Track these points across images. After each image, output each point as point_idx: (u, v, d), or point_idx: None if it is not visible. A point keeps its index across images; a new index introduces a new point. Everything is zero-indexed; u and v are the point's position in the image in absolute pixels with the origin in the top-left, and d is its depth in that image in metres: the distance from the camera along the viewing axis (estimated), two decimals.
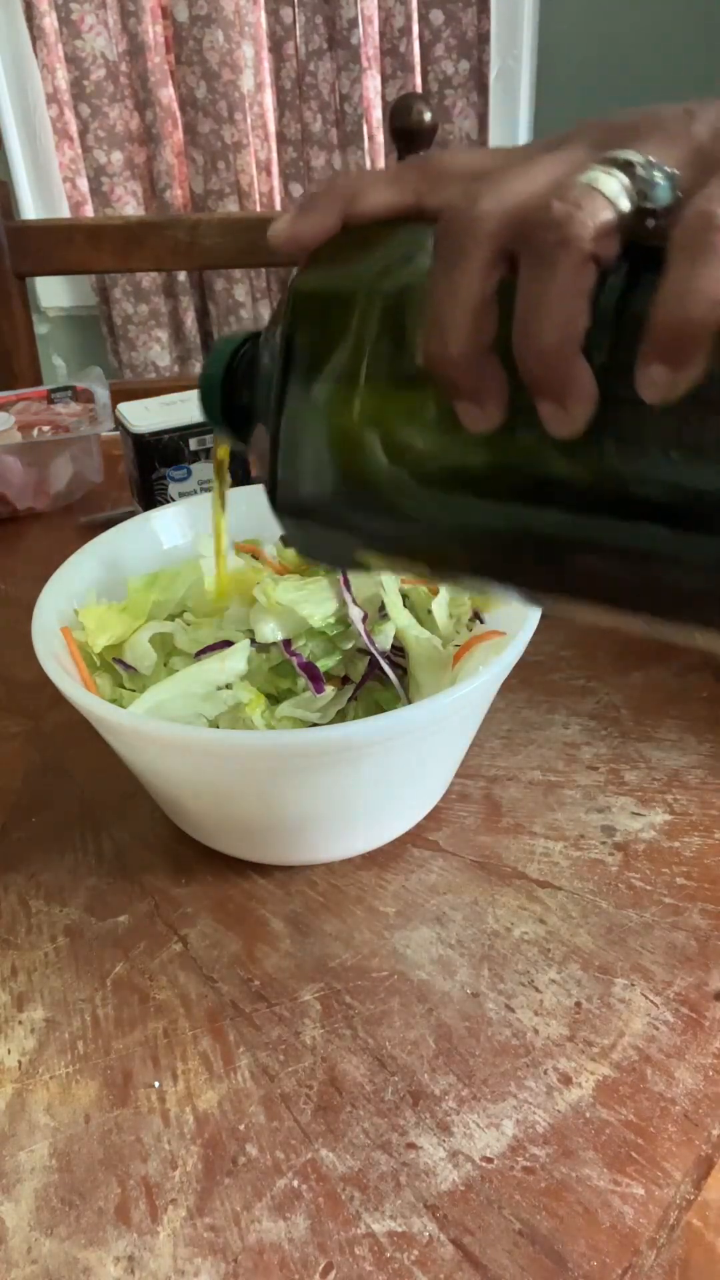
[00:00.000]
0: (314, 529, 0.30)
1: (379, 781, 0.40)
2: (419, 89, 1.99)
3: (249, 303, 2.19)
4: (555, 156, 0.24)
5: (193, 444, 0.67)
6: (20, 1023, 0.38)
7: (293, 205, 0.29)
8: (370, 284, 0.27)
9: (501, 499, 0.26)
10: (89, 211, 2.16)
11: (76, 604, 0.45)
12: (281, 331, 0.28)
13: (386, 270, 0.27)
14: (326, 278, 0.28)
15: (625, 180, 0.22)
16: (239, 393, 0.32)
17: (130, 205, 2.15)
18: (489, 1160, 0.33)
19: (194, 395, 0.70)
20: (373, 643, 0.42)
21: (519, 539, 0.26)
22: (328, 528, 0.30)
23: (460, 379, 0.24)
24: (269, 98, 2.06)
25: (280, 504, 0.30)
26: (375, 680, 0.42)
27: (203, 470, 0.68)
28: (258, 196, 2.12)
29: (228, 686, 0.41)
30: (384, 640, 0.42)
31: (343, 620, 0.43)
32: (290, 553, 0.48)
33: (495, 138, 2.06)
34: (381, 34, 1.95)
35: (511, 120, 2.04)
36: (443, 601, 0.44)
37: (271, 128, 2.08)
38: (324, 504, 0.29)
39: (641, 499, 0.24)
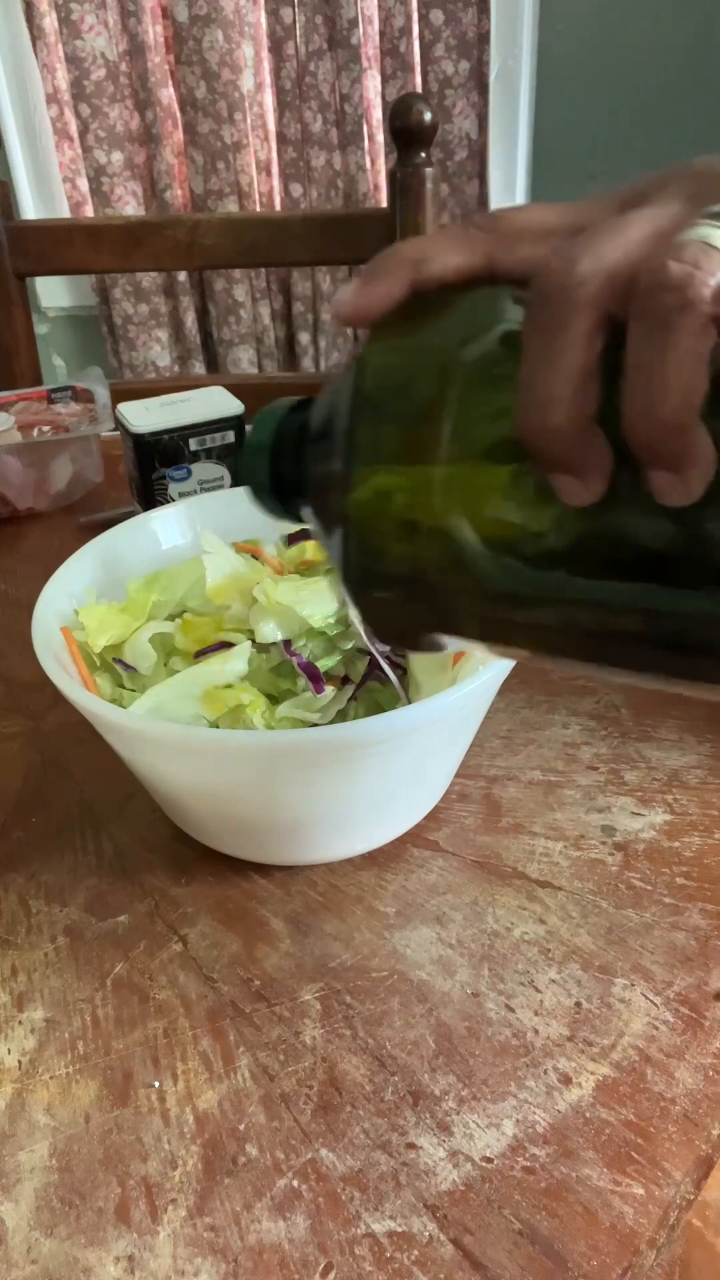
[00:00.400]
0: (390, 611, 0.29)
1: (379, 781, 0.40)
2: (419, 89, 1.99)
3: (249, 303, 2.19)
4: (651, 212, 0.23)
5: (193, 444, 0.67)
6: (20, 1023, 0.38)
7: (357, 276, 0.27)
8: (448, 354, 0.25)
9: (602, 575, 0.24)
10: (89, 211, 2.16)
11: (76, 604, 0.45)
12: (349, 405, 0.26)
13: (466, 339, 0.25)
14: (398, 349, 0.26)
15: None
16: (286, 464, 0.30)
17: (130, 205, 2.15)
18: (489, 1160, 0.33)
19: (193, 395, 0.70)
20: (373, 642, 0.42)
21: (623, 616, 0.25)
22: (405, 612, 0.28)
23: (562, 452, 0.23)
24: (269, 98, 2.06)
25: (352, 584, 0.28)
26: (375, 680, 0.42)
27: (202, 470, 0.68)
28: (258, 196, 2.12)
29: (228, 687, 0.41)
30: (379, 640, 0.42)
31: (343, 620, 0.43)
32: (291, 553, 0.48)
33: (495, 138, 2.06)
34: (381, 34, 1.95)
35: (511, 120, 2.04)
36: None
37: (271, 128, 2.08)
38: (402, 585, 0.27)
39: None
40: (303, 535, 0.48)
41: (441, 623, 0.28)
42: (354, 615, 0.29)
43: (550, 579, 0.25)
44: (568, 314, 0.22)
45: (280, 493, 0.31)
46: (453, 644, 0.29)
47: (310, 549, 0.48)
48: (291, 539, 0.48)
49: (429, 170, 0.98)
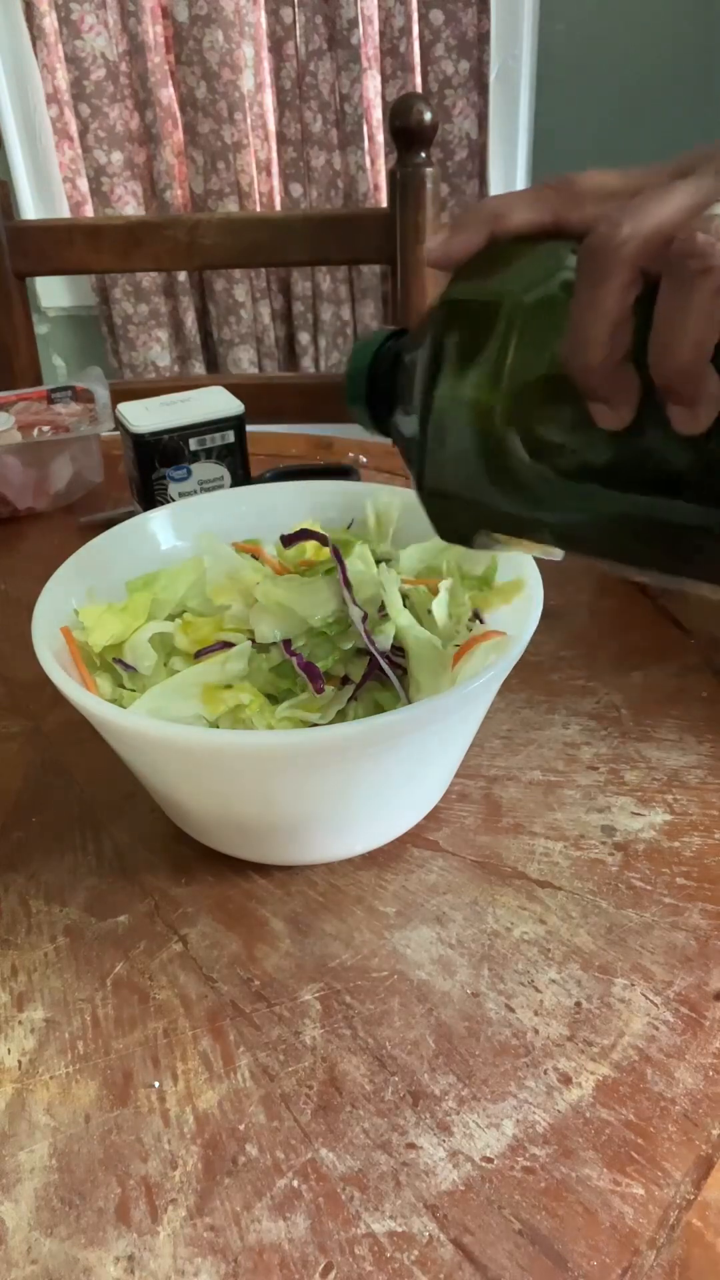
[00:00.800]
0: (454, 509, 0.34)
1: (379, 781, 0.40)
2: (419, 89, 1.99)
3: (249, 303, 2.19)
4: (692, 185, 0.26)
5: (193, 444, 0.67)
6: (20, 1023, 0.38)
7: (444, 225, 0.33)
8: (516, 296, 0.30)
9: (627, 488, 0.29)
10: (89, 211, 2.16)
11: (76, 604, 0.45)
12: (433, 334, 0.31)
13: (531, 284, 0.30)
14: (475, 289, 0.31)
15: None
16: (381, 384, 0.35)
17: (130, 205, 2.15)
18: (489, 1160, 0.33)
19: (193, 395, 0.70)
20: (373, 643, 0.42)
21: (641, 523, 0.29)
22: (467, 509, 0.33)
23: (598, 384, 0.27)
24: (269, 98, 2.06)
25: (425, 486, 0.34)
26: (375, 680, 0.42)
27: (202, 470, 0.68)
28: (258, 196, 2.12)
29: (228, 687, 0.41)
30: (384, 640, 0.42)
31: (343, 620, 0.43)
32: (290, 553, 0.48)
33: (495, 138, 2.06)
34: (381, 34, 1.95)
35: (511, 120, 2.04)
36: (443, 601, 0.44)
37: (271, 128, 2.08)
38: (466, 488, 0.32)
39: None
40: (301, 537, 0.48)
41: (495, 522, 0.33)
42: (428, 514, 0.35)
43: (584, 489, 0.30)
44: (608, 269, 0.26)
45: (374, 408, 0.36)
46: (508, 543, 0.34)
47: (310, 549, 0.48)
48: (288, 540, 0.48)
49: (429, 170, 0.98)
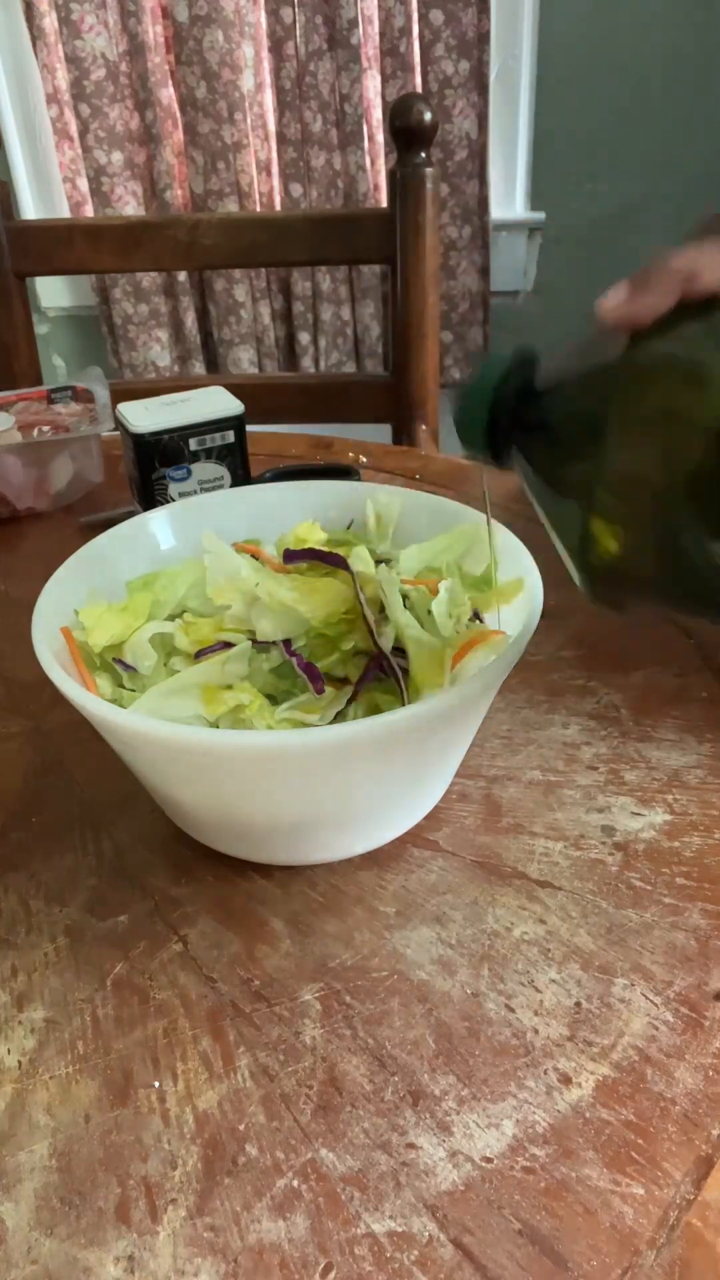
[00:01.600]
0: (613, 578, 0.33)
1: (379, 781, 0.40)
2: (419, 89, 1.99)
3: (249, 303, 2.19)
4: None
5: (193, 444, 0.67)
6: (20, 1023, 0.38)
7: (625, 283, 0.31)
8: (712, 372, 0.28)
9: None
10: (89, 211, 2.16)
11: (76, 604, 0.45)
12: (612, 400, 0.30)
13: None
14: (669, 351, 0.29)
15: None
16: (504, 415, 0.34)
17: (130, 205, 2.15)
18: (489, 1160, 0.33)
19: (193, 395, 0.70)
20: (379, 641, 0.42)
21: None
22: (626, 579, 0.32)
23: None
24: (269, 98, 2.06)
25: (579, 557, 0.32)
26: (375, 681, 0.42)
27: (202, 470, 0.68)
28: (258, 196, 2.12)
29: (228, 687, 0.41)
30: (384, 641, 0.42)
31: (343, 620, 0.43)
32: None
33: (495, 138, 2.05)
34: (381, 34, 1.95)
35: (511, 120, 2.04)
36: (443, 601, 0.44)
37: (271, 128, 2.08)
38: (633, 564, 0.31)
39: None
40: (305, 555, 0.47)
41: (661, 599, 0.33)
42: (571, 570, 0.34)
43: None
44: None
45: (491, 437, 0.34)
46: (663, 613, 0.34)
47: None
48: (289, 557, 0.47)
49: (429, 170, 0.98)
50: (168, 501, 0.66)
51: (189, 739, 0.36)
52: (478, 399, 0.33)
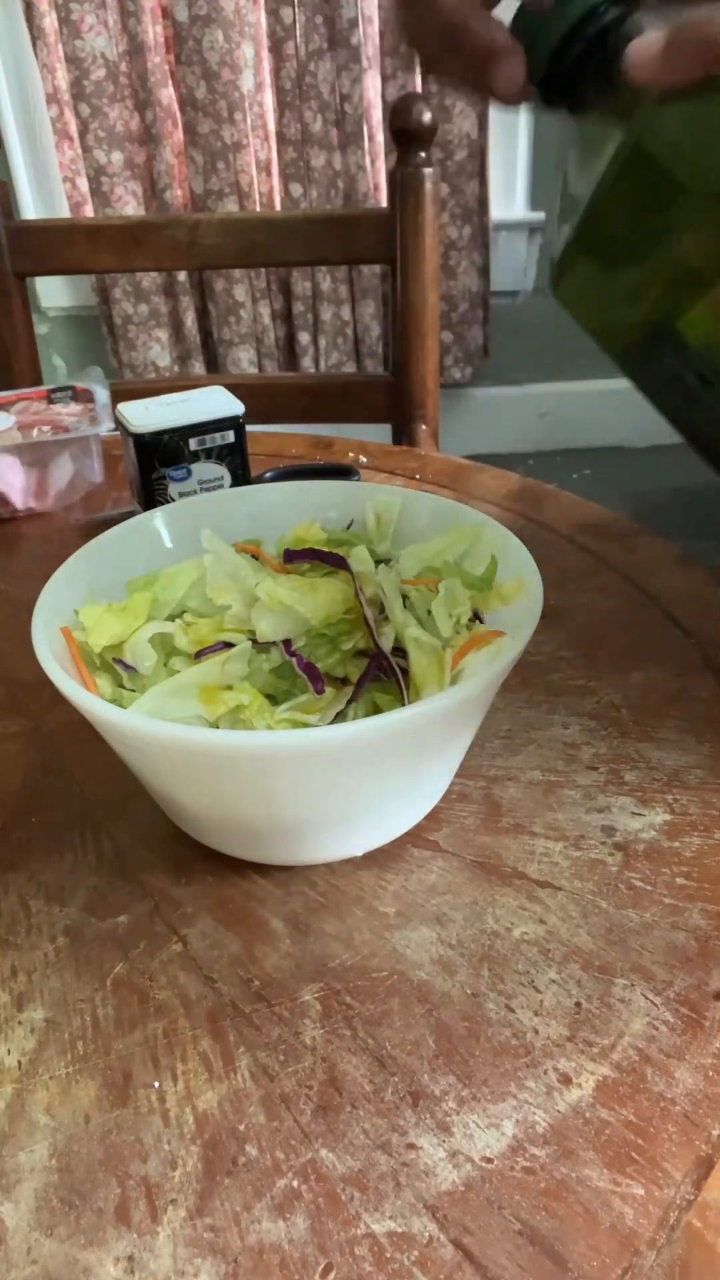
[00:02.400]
0: (620, 209, 0.35)
1: (379, 781, 0.40)
2: (419, 89, 1.99)
3: (249, 303, 2.19)
4: None
5: (193, 444, 0.67)
6: (20, 1023, 0.38)
7: (656, 40, 0.32)
8: None
9: None
10: (89, 211, 2.16)
11: (76, 604, 0.45)
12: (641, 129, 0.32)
13: None
14: (690, 118, 0.32)
15: None
16: (574, 51, 0.35)
17: (130, 205, 2.15)
18: (489, 1160, 0.33)
19: (193, 395, 0.70)
20: (379, 641, 0.42)
21: None
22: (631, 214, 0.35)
23: None
24: (269, 98, 2.06)
25: (603, 187, 0.35)
26: (375, 681, 0.42)
27: (202, 470, 0.68)
28: (258, 196, 2.12)
29: (228, 687, 0.41)
30: (384, 641, 0.42)
31: (343, 620, 0.43)
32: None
33: (495, 138, 2.06)
34: (381, 34, 1.95)
35: (511, 120, 2.04)
36: (443, 601, 0.44)
37: (271, 128, 2.08)
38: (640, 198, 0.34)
39: None
40: (305, 556, 0.47)
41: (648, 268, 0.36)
42: (569, 194, 0.37)
43: None
44: None
45: (555, 64, 0.36)
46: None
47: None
48: (289, 557, 0.47)
49: (429, 170, 0.98)
50: (168, 501, 0.66)
51: (189, 739, 0.36)
52: (558, 23, 0.34)
